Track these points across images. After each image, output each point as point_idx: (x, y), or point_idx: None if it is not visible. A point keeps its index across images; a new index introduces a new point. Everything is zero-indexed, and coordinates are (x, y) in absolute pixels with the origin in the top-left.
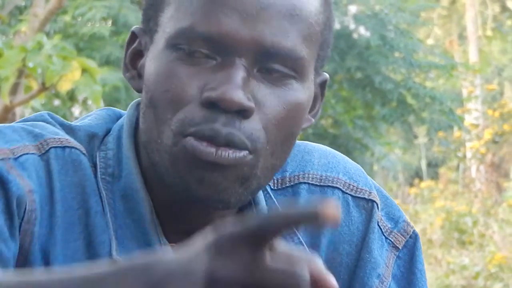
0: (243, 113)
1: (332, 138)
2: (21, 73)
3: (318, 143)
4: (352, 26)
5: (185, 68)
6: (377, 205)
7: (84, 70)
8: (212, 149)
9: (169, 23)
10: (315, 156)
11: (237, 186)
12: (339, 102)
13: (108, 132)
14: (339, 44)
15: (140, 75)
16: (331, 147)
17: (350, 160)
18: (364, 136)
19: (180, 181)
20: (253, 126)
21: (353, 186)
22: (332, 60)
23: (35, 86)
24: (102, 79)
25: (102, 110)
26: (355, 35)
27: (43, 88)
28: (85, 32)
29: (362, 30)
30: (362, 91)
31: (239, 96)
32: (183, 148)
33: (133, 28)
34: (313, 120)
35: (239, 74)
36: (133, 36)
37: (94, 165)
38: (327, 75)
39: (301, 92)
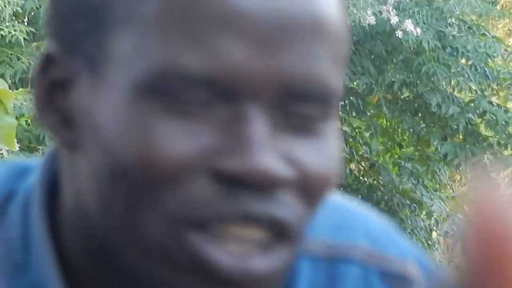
0: (279, 186)
1: (367, 190)
2: None
3: (345, 197)
4: (394, 19)
5: (173, 123)
6: (413, 283)
7: None
8: (240, 262)
9: (135, 56)
10: (320, 212)
11: None
12: (376, 135)
13: (9, 196)
14: (375, 47)
15: (68, 122)
16: (366, 204)
17: (373, 215)
18: (416, 186)
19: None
20: (293, 200)
21: (378, 254)
22: (364, 72)
23: None
24: (16, 107)
25: None
26: (398, 33)
27: None
28: None
29: (409, 25)
30: (411, 118)
31: (272, 164)
32: (183, 247)
33: (48, 49)
34: None
35: (261, 128)
36: (49, 61)
37: None
38: None
39: (336, 138)
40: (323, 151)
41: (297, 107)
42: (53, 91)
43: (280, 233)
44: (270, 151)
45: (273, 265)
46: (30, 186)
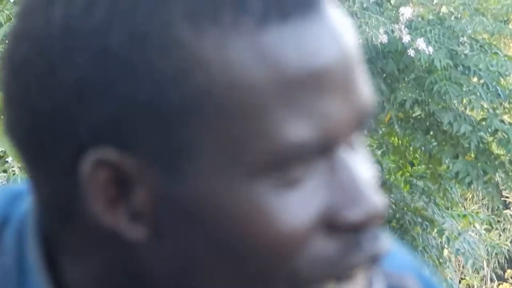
0: None
1: None
2: None
3: None
4: (406, 38)
5: (286, 193)
6: None
7: None
8: None
9: (237, 143)
10: None
11: None
12: (388, 153)
13: (3, 222)
14: (387, 66)
15: (137, 216)
16: None
17: None
18: (428, 204)
19: None
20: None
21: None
22: (376, 90)
23: None
24: None
25: None
26: (410, 52)
27: None
28: None
29: (421, 44)
30: (423, 136)
31: (381, 201)
32: None
33: (97, 155)
34: None
35: (356, 166)
36: (99, 163)
37: None
38: None
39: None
40: (368, 160)
41: (359, 129)
42: (108, 190)
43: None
44: (371, 189)
45: None
46: (23, 212)
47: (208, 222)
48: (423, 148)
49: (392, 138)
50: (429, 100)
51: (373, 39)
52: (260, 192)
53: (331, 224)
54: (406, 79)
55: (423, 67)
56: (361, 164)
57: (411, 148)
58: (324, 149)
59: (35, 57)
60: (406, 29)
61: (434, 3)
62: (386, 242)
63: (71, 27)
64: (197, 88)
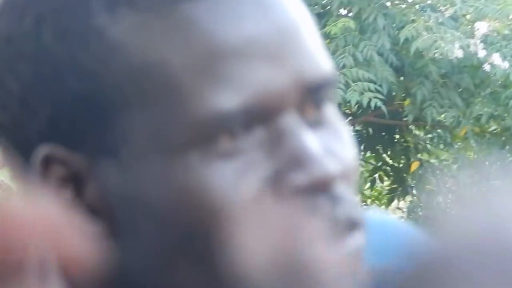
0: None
1: None
2: None
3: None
4: (481, 53)
5: (227, 164)
6: None
7: None
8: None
9: (170, 120)
10: None
11: None
12: (463, 168)
13: None
14: (463, 80)
15: (93, 213)
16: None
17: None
18: None
19: None
20: (349, 193)
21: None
22: (452, 105)
23: None
24: None
25: None
26: (486, 67)
27: None
28: None
29: (496, 58)
30: (500, 151)
31: (333, 165)
32: None
33: (45, 151)
34: None
35: (304, 132)
36: (48, 162)
37: None
38: None
39: (345, 125)
40: (345, 137)
41: (314, 100)
42: (63, 188)
43: (353, 224)
44: (322, 152)
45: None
46: None
47: (155, 207)
48: (498, 163)
49: (468, 153)
50: (505, 114)
51: (449, 54)
52: (194, 166)
53: (280, 191)
54: (481, 93)
55: (499, 82)
56: (326, 135)
57: (486, 163)
58: (261, 117)
59: None
60: (482, 44)
61: (510, 18)
62: (354, 205)
63: (10, 36)
64: (117, 76)
